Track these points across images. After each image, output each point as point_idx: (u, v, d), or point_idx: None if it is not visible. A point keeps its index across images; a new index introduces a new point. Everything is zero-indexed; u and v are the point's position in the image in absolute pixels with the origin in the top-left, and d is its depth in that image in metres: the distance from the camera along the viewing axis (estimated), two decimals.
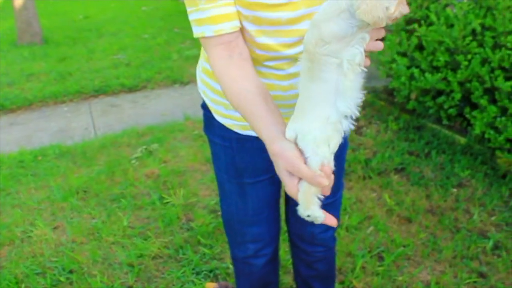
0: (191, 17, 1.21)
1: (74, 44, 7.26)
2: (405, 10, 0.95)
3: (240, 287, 1.84)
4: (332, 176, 1.05)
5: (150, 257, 2.56)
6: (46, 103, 5.15)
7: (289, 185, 1.06)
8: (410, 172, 3.11)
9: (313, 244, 1.72)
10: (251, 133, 1.45)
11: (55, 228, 2.90)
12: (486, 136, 3.04)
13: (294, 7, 1.20)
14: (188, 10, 1.21)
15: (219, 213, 2.79)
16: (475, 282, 2.30)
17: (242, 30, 1.22)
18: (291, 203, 1.71)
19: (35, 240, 2.79)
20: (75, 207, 3.05)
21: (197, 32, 1.22)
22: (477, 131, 3.08)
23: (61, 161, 3.72)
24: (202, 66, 1.49)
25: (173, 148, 3.68)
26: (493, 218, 2.70)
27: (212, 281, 2.36)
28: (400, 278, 2.33)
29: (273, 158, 1.09)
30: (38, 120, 4.78)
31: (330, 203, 1.63)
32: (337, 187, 1.61)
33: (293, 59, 1.26)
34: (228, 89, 1.20)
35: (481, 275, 2.34)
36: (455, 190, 2.94)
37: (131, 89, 5.26)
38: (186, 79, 5.34)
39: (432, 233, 2.60)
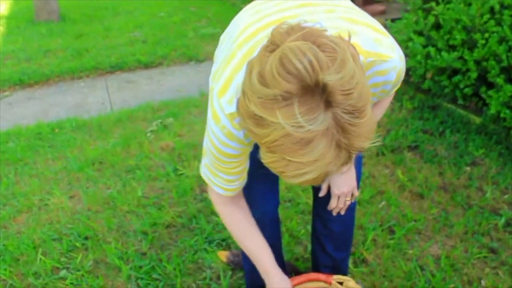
0: (207, 164, 1.35)
1: (91, 22, 7.29)
2: None
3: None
4: None
5: (164, 225, 2.60)
6: (63, 79, 5.19)
7: None
8: (423, 150, 3.11)
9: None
10: None
11: (71, 197, 2.95)
12: (502, 115, 3.03)
13: None
14: (204, 162, 1.37)
15: None
16: (485, 257, 2.31)
17: None
18: None
19: (51, 208, 2.85)
20: (91, 177, 3.11)
21: (205, 178, 1.39)
22: (492, 110, 3.06)
23: (78, 133, 3.77)
24: None
25: (188, 123, 3.71)
26: (506, 196, 2.70)
27: (224, 250, 2.40)
28: (411, 252, 2.35)
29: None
30: (55, 95, 4.83)
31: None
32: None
33: None
34: (228, 226, 1.48)
35: (492, 250, 2.35)
36: (468, 168, 2.94)
37: (147, 66, 5.29)
38: (202, 57, 5.35)
39: (444, 209, 2.61)
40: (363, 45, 1.12)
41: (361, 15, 1.21)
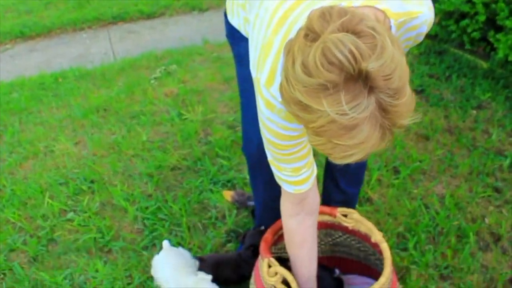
0: (272, 161, 1.35)
1: None
2: None
3: (253, 179, 1.89)
4: None
5: (169, 168, 2.62)
6: (65, 30, 5.14)
7: None
8: (429, 94, 3.08)
9: None
10: None
11: (76, 143, 2.96)
12: (510, 59, 2.98)
13: None
14: (269, 159, 1.36)
15: (237, 128, 2.82)
16: (489, 196, 2.32)
17: None
18: None
19: (57, 154, 2.87)
20: (96, 124, 3.11)
21: (277, 179, 1.39)
22: (500, 54, 3.02)
23: (81, 82, 3.76)
24: None
25: (191, 69, 3.68)
26: (511, 138, 2.69)
27: (229, 190, 2.41)
28: (415, 191, 2.36)
29: None
30: (57, 46, 4.79)
31: None
32: None
33: None
34: (288, 239, 1.52)
35: (496, 190, 2.36)
36: (474, 111, 2.92)
37: (150, 16, 5.21)
38: (205, 6, 5.24)
39: (449, 150, 2.60)
40: (392, 8, 1.11)
41: None
